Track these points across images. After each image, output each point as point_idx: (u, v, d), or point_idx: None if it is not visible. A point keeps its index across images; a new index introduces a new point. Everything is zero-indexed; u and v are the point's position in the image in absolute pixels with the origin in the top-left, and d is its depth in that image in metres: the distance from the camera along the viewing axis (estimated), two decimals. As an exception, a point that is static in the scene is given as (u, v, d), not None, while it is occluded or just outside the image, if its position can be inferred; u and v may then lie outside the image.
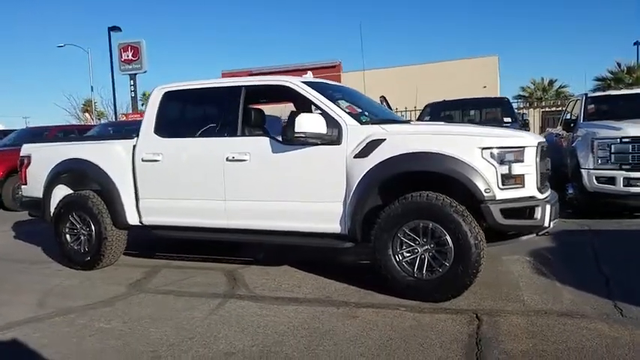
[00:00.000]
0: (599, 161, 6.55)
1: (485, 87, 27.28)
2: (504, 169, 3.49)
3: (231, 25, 77.30)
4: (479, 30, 64.23)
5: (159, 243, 5.93)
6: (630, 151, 6.33)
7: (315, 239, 4.19)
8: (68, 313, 3.85)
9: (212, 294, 4.18)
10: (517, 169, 3.49)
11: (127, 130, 11.86)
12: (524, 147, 3.60)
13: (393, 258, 3.70)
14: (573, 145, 7.36)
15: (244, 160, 4.39)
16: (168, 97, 5.00)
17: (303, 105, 5.19)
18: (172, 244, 5.76)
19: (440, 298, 3.57)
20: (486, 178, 3.47)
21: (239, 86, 4.65)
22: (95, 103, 34.67)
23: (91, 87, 32.92)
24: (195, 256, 5.54)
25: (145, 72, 25.76)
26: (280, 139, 4.25)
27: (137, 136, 5.02)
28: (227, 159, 4.46)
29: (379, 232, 3.73)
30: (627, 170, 6.29)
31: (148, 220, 4.97)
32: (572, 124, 8.10)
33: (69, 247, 5.26)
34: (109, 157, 5.05)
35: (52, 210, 5.38)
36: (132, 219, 5.00)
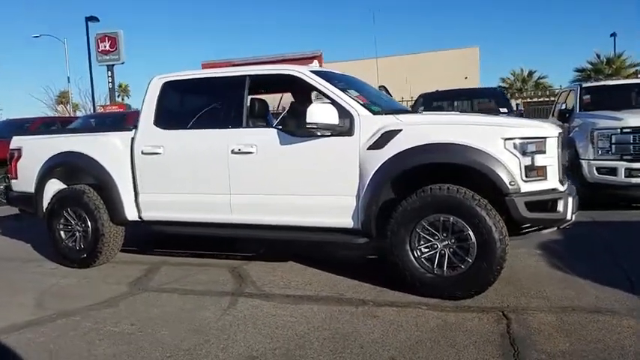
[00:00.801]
0: (600, 152, 6.55)
1: (466, 78, 27.43)
2: (527, 161, 3.39)
3: (210, 15, 76.15)
4: (459, 21, 64.50)
5: (155, 238, 5.73)
6: (631, 141, 6.33)
7: (326, 234, 4.05)
8: (70, 315, 3.65)
9: (220, 292, 4.02)
10: (540, 160, 3.40)
11: (109, 121, 11.59)
12: (545, 137, 3.50)
13: (410, 254, 3.59)
14: (570, 135, 7.35)
15: (250, 153, 4.22)
16: (168, 88, 4.78)
17: (302, 95, 5.04)
18: (169, 240, 5.55)
19: (462, 295, 3.47)
20: (510, 170, 3.37)
21: (243, 76, 4.46)
22: (71, 94, 33.77)
23: (68, 78, 32.14)
24: (194, 252, 5.36)
25: (122, 63, 25.12)
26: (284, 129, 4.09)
27: (135, 127, 4.81)
28: (232, 151, 4.29)
29: (396, 226, 3.61)
30: (628, 161, 6.30)
31: (147, 215, 4.77)
32: (567, 115, 8.10)
33: (64, 244, 5.03)
34: (106, 149, 4.82)
35: (45, 205, 5.14)
36: (130, 214, 4.80)
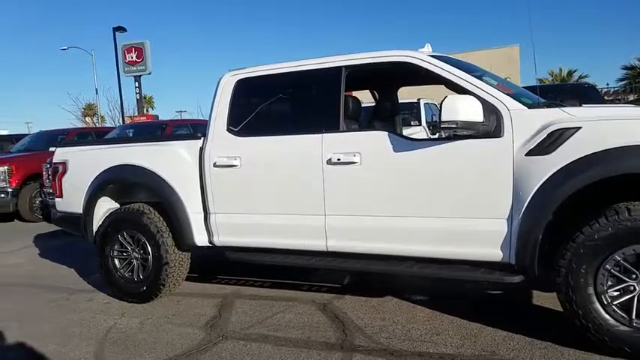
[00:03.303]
0: None
1: (508, 78, 26.20)
2: None
3: (237, 25, 76.22)
4: (496, 19, 62.66)
5: (214, 261, 4.84)
6: None
7: (462, 270, 3.13)
8: (143, 376, 2.84)
9: (323, 344, 3.16)
10: None
11: (148, 132, 10.91)
12: None
13: (596, 299, 2.66)
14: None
15: (353, 163, 3.36)
16: (243, 86, 3.96)
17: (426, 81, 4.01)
18: (233, 264, 4.67)
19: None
20: None
21: (338, 67, 3.60)
22: (95, 106, 33.50)
23: (96, 89, 31.76)
24: (267, 280, 4.53)
25: (149, 73, 24.59)
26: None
27: (204, 135, 4.00)
28: (328, 161, 3.44)
29: (574, 262, 2.68)
30: None
31: (221, 240, 3.94)
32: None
33: (118, 275, 4.25)
34: (170, 161, 4.02)
35: (95, 228, 4.36)
36: (199, 239, 3.98)
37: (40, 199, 9.14)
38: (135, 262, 4.19)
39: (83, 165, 4.44)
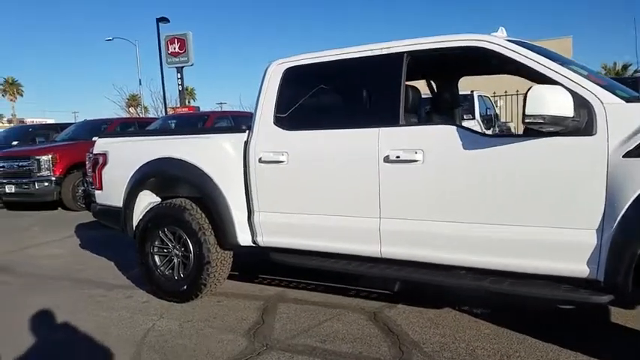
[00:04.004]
0: None
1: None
2: None
3: (282, 19, 76.04)
4: (548, 10, 59.98)
5: (252, 260, 4.59)
6: None
7: (539, 288, 2.74)
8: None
9: None
10: None
11: (190, 123, 10.81)
12: None
13: None
14: None
15: (415, 161, 3.02)
16: (292, 75, 3.68)
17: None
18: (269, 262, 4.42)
19: None
20: None
21: (399, 53, 3.25)
22: (139, 97, 34.02)
23: (139, 80, 32.21)
24: (309, 282, 4.26)
25: (191, 65, 24.58)
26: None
27: (249, 128, 3.74)
28: (385, 159, 3.11)
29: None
30: None
31: (265, 240, 3.69)
32: None
33: (158, 273, 4.06)
34: (214, 155, 3.79)
35: (135, 223, 4.19)
36: (243, 238, 3.74)
37: (82, 188, 9.19)
38: (175, 260, 4.00)
39: (124, 157, 4.27)
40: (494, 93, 12.31)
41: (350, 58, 3.48)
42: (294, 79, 3.67)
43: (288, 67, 3.69)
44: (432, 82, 4.49)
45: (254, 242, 3.75)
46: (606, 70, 31.99)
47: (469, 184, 2.88)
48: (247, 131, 3.73)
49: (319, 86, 3.64)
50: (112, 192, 4.35)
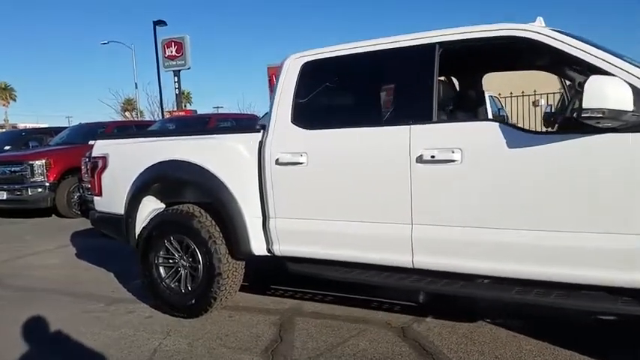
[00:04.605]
0: None
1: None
2: None
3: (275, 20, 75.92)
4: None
5: (264, 269, 4.28)
6: None
7: (591, 301, 2.45)
8: None
9: (416, 384, 2.54)
10: None
11: (190, 124, 10.49)
12: None
13: None
14: None
15: (452, 161, 2.72)
16: (311, 70, 3.37)
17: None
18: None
19: None
20: None
21: (431, 44, 2.95)
22: (134, 101, 33.62)
23: (135, 84, 31.86)
24: (327, 293, 3.95)
25: (189, 68, 24.38)
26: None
27: (263, 128, 3.44)
28: (417, 159, 2.81)
29: None
30: None
31: (282, 249, 3.37)
32: None
33: (164, 285, 3.73)
34: (225, 158, 3.48)
35: (138, 231, 3.86)
36: (257, 247, 3.43)
37: (78, 194, 8.83)
38: (182, 271, 3.67)
39: (126, 160, 3.95)
40: (500, 94, 12.08)
41: (375, 51, 3.18)
42: (313, 74, 3.37)
43: (306, 61, 3.39)
44: (457, 78, 4.21)
45: (269, 251, 3.43)
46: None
47: (515, 186, 2.58)
48: (262, 131, 3.42)
49: (341, 81, 3.36)
50: (112, 198, 4.02)
